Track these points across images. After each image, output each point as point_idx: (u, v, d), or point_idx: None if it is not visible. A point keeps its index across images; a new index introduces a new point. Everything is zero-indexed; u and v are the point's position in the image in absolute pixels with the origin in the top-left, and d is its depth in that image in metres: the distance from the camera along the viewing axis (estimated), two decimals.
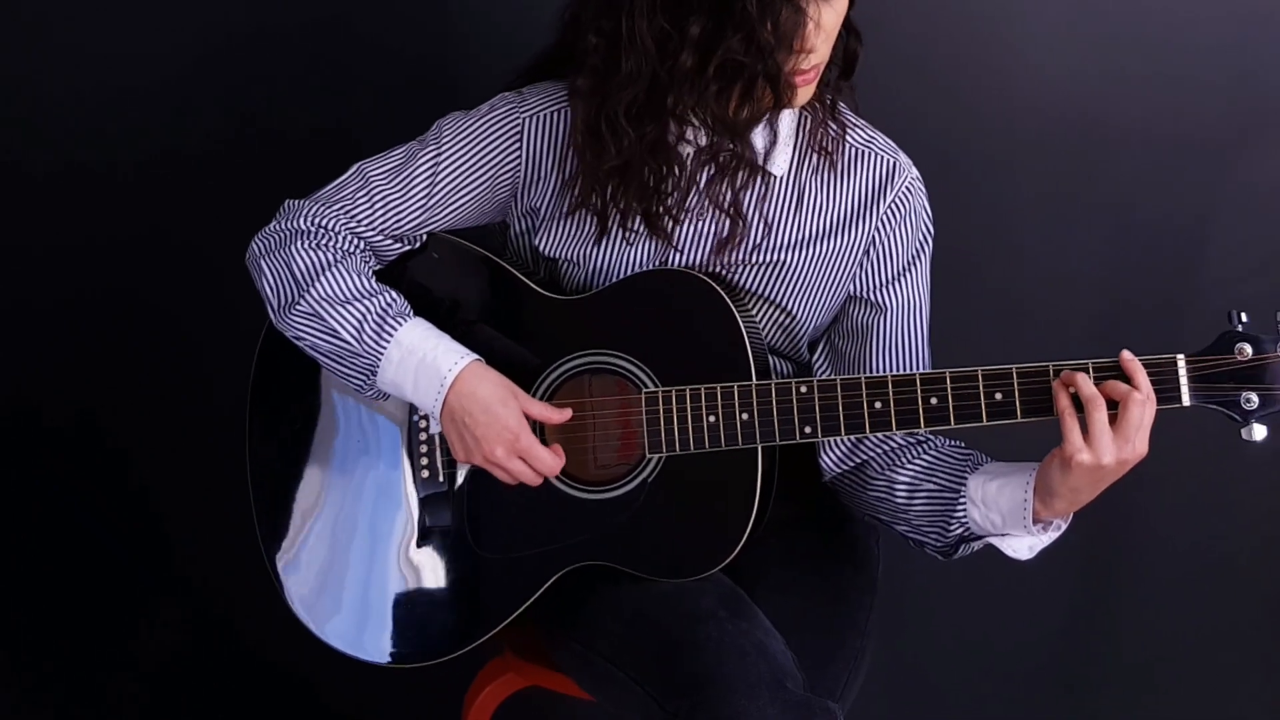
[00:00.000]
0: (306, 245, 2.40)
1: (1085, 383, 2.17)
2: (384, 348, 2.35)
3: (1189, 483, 3.32)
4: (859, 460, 2.47)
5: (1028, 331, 3.16)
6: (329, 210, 2.43)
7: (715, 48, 2.19)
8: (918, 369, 2.46)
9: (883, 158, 2.46)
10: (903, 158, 2.47)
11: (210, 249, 2.74)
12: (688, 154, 2.34)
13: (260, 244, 2.44)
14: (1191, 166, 3.15)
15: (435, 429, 2.42)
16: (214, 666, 3.41)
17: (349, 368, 2.39)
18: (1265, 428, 2.18)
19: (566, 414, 2.37)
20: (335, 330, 2.36)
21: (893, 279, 2.47)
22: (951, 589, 3.40)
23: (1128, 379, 2.17)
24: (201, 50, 3.11)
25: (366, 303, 2.36)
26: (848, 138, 2.45)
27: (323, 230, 2.41)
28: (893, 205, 2.44)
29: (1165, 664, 3.47)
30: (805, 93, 2.30)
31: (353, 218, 2.43)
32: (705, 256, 2.41)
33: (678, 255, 2.41)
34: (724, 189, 2.36)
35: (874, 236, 2.45)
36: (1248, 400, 2.17)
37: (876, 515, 2.50)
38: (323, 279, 2.37)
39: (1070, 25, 3.12)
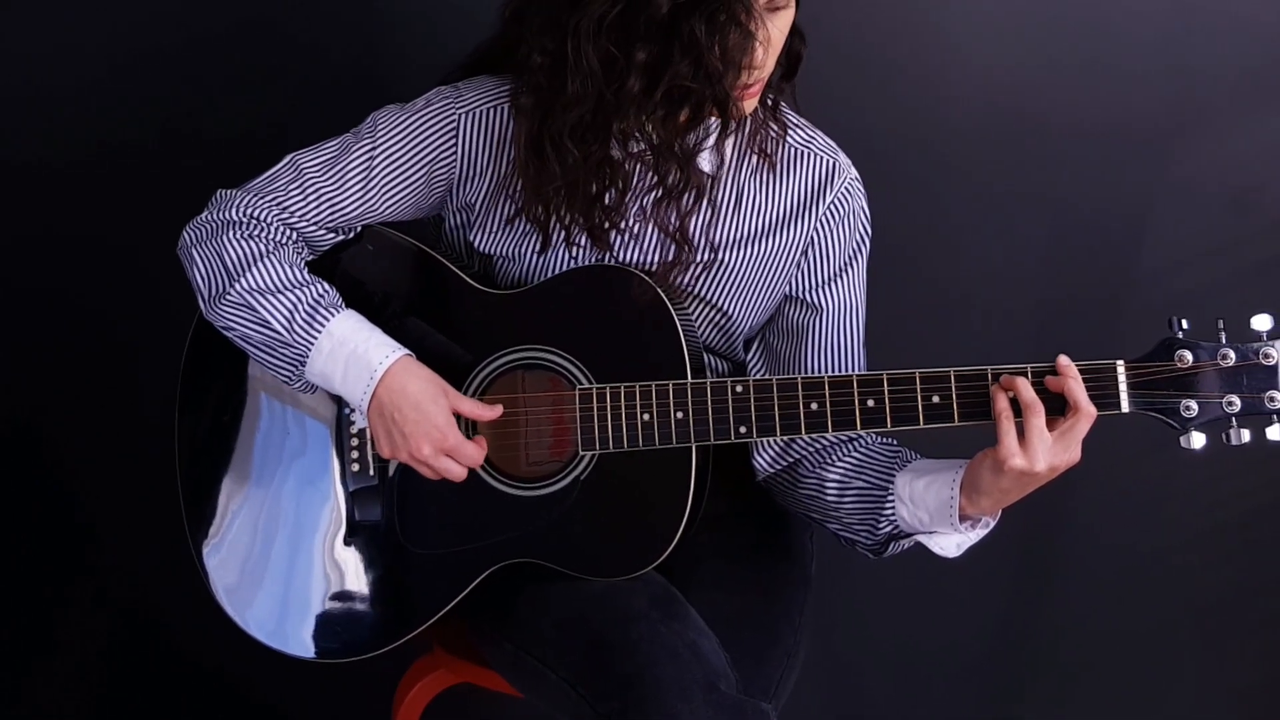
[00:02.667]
0: (238, 235, 2.36)
1: (1025, 387, 2.16)
2: (315, 338, 2.32)
3: (1121, 481, 3.32)
4: (791, 459, 2.47)
5: (966, 328, 3.17)
6: (261, 201, 2.39)
7: (663, 73, 2.17)
8: (852, 370, 2.45)
9: (823, 158, 2.44)
10: (842, 158, 2.46)
11: (139, 246, 2.71)
12: (635, 170, 2.31)
13: (191, 233, 2.41)
14: (1129, 160, 3.15)
15: (361, 423, 2.40)
16: (139, 660, 3.38)
17: (278, 358, 2.36)
18: (1204, 436, 2.18)
19: (497, 411, 2.35)
20: (266, 320, 2.33)
21: (829, 279, 2.46)
22: (885, 586, 3.40)
23: (1062, 389, 2.16)
24: (131, 48, 3.07)
25: (298, 292, 2.34)
26: (788, 138, 2.43)
27: (255, 221, 2.38)
28: (832, 206, 2.43)
29: (1098, 662, 3.48)
30: (750, 104, 2.29)
31: (285, 209, 2.40)
32: (651, 268, 2.39)
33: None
34: (670, 214, 2.33)
35: (813, 237, 2.44)
36: (1187, 408, 2.17)
37: (809, 514, 2.49)
38: (254, 269, 2.34)
39: (1006, 19, 3.11)
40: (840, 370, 2.45)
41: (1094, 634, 3.45)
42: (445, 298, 2.44)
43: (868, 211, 2.48)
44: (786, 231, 2.43)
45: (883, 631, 3.48)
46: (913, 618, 3.45)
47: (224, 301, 2.36)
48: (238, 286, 2.34)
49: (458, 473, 2.35)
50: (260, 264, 2.34)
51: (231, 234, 2.37)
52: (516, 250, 2.41)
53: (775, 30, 2.21)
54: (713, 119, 2.26)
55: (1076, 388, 2.16)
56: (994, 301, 3.19)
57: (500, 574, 2.39)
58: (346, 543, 2.47)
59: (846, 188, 2.44)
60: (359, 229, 2.46)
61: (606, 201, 2.31)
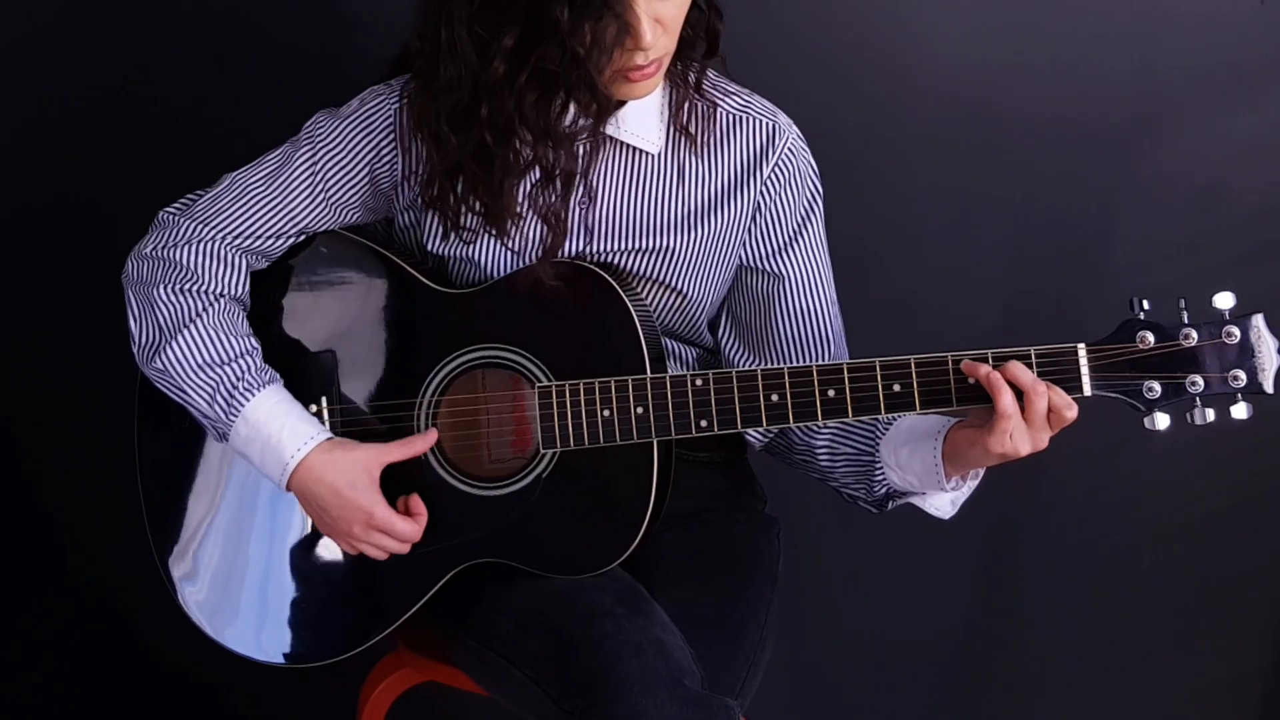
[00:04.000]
0: (172, 289, 2.39)
1: (1024, 371, 2.15)
2: (232, 421, 2.36)
3: (1089, 478, 3.32)
4: (779, 427, 2.45)
5: (931, 326, 3.16)
6: (205, 228, 2.42)
7: (529, 57, 2.16)
8: (828, 333, 2.45)
9: (761, 121, 2.42)
10: (782, 118, 2.44)
11: (102, 243, 2.68)
12: (526, 155, 2.29)
13: (133, 267, 2.44)
14: (1094, 157, 3.14)
15: (326, 425, 2.42)
16: (103, 661, 3.36)
17: (204, 426, 2.40)
18: (1168, 417, 2.16)
19: (431, 437, 2.37)
20: (186, 395, 2.38)
21: (786, 244, 2.44)
22: (851, 584, 3.39)
23: (1016, 379, 2.16)
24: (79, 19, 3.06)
25: (219, 371, 2.36)
26: (724, 105, 2.41)
27: (198, 251, 2.41)
28: (776, 169, 2.41)
29: (1066, 660, 3.46)
30: (647, 85, 2.27)
31: (230, 230, 2.41)
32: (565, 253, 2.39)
33: (515, 257, 2.38)
34: (546, 196, 2.31)
35: (759, 202, 2.42)
36: (1150, 389, 2.15)
37: (810, 475, 2.50)
38: (181, 336, 2.38)
39: (972, 16, 3.10)
40: (816, 334, 2.45)
41: (1064, 632, 3.44)
42: (401, 298, 2.43)
43: (815, 169, 2.46)
44: (732, 201, 2.41)
45: (850, 630, 3.46)
46: (880, 616, 3.44)
47: (151, 366, 2.40)
48: (164, 354, 2.38)
49: (395, 548, 2.37)
50: (188, 331, 2.38)
51: (166, 287, 2.40)
52: (468, 251, 2.40)
53: (664, 8, 2.19)
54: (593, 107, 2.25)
55: (1018, 370, 2.15)
56: (960, 299, 3.18)
57: (465, 573, 2.38)
58: (313, 548, 2.46)
59: (789, 149, 2.42)
60: (310, 233, 2.46)
61: (491, 187, 2.29)
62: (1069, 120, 3.11)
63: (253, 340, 2.41)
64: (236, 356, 2.38)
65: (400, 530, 2.35)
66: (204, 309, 2.39)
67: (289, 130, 2.47)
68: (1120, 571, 3.39)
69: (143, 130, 3.07)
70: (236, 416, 2.35)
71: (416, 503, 2.37)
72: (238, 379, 2.36)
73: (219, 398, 2.35)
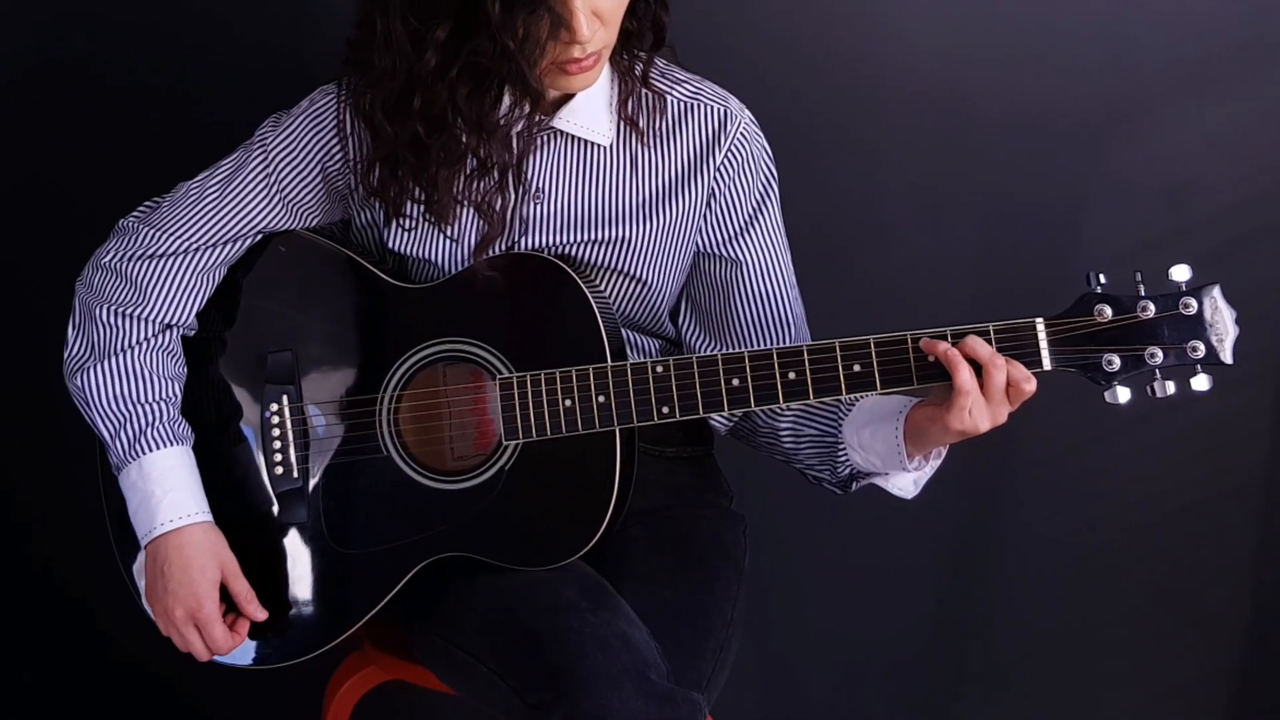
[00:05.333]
0: (115, 311, 2.43)
1: (981, 344, 2.15)
2: (129, 461, 2.39)
3: (1056, 475, 3.31)
4: (742, 411, 2.45)
5: (898, 322, 3.10)
6: (164, 236, 2.43)
7: (461, 50, 2.17)
8: (789, 316, 2.45)
9: (712, 107, 2.42)
10: (733, 103, 2.43)
11: (67, 238, 2.68)
12: (461, 146, 2.29)
13: (89, 275, 2.47)
14: (1063, 151, 3.13)
15: (288, 423, 2.42)
16: (68, 666, 3.35)
17: (102, 444, 2.44)
18: (1129, 390, 2.15)
19: (260, 615, 2.40)
20: (94, 419, 2.42)
21: (742, 229, 2.44)
22: (819, 580, 3.38)
23: (975, 353, 2.15)
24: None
25: (132, 408, 2.40)
26: (674, 93, 2.41)
27: (155, 269, 2.43)
28: (729, 154, 2.41)
29: (1034, 656, 3.45)
30: (586, 79, 2.27)
31: (190, 237, 2.43)
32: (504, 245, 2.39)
33: (455, 246, 2.38)
34: (482, 188, 2.32)
35: (713, 188, 2.41)
36: (1109, 362, 2.14)
37: (775, 458, 2.49)
38: (108, 363, 2.42)
39: (941, 11, 3.10)
40: (776, 317, 2.44)
41: (1032, 628, 3.43)
42: (360, 294, 2.43)
43: (769, 152, 2.46)
44: (687, 188, 2.41)
45: (817, 626, 3.45)
46: (848, 613, 3.42)
47: (71, 381, 2.44)
48: (85, 376, 2.42)
49: (200, 650, 2.39)
50: (117, 359, 2.42)
51: (110, 307, 2.43)
52: (426, 250, 2.40)
53: (600, 2, 2.19)
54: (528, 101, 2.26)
55: (976, 344, 2.15)
56: (928, 295, 3.17)
57: (430, 568, 2.37)
58: (276, 547, 2.45)
59: (741, 133, 2.42)
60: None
61: (427, 177, 2.30)
62: (1038, 116, 3.11)
63: (175, 387, 2.44)
64: (155, 399, 2.41)
65: (215, 636, 2.37)
66: (138, 341, 2.42)
67: (257, 125, 2.48)
68: (1088, 569, 3.38)
69: (112, 123, 3.08)
70: (134, 460, 2.38)
71: (244, 625, 2.41)
72: (148, 424, 2.39)
73: (124, 434, 2.39)
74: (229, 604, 2.41)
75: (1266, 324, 3.12)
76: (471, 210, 2.34)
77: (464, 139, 2.26)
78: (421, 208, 2.33)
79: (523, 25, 2.14)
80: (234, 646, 2.40)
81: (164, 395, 2.42)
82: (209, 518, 2.39)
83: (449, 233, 2.36)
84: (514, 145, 2.32)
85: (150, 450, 2.38)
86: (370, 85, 2.26)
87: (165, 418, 2.41)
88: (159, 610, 2.38)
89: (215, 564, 2.37)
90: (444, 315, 2.37)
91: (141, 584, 2.46)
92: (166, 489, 2.37)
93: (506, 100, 2.25)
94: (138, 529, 2.39)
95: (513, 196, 2.34)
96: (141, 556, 2.43)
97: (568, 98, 2.34)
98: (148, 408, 2.40)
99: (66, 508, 3.11)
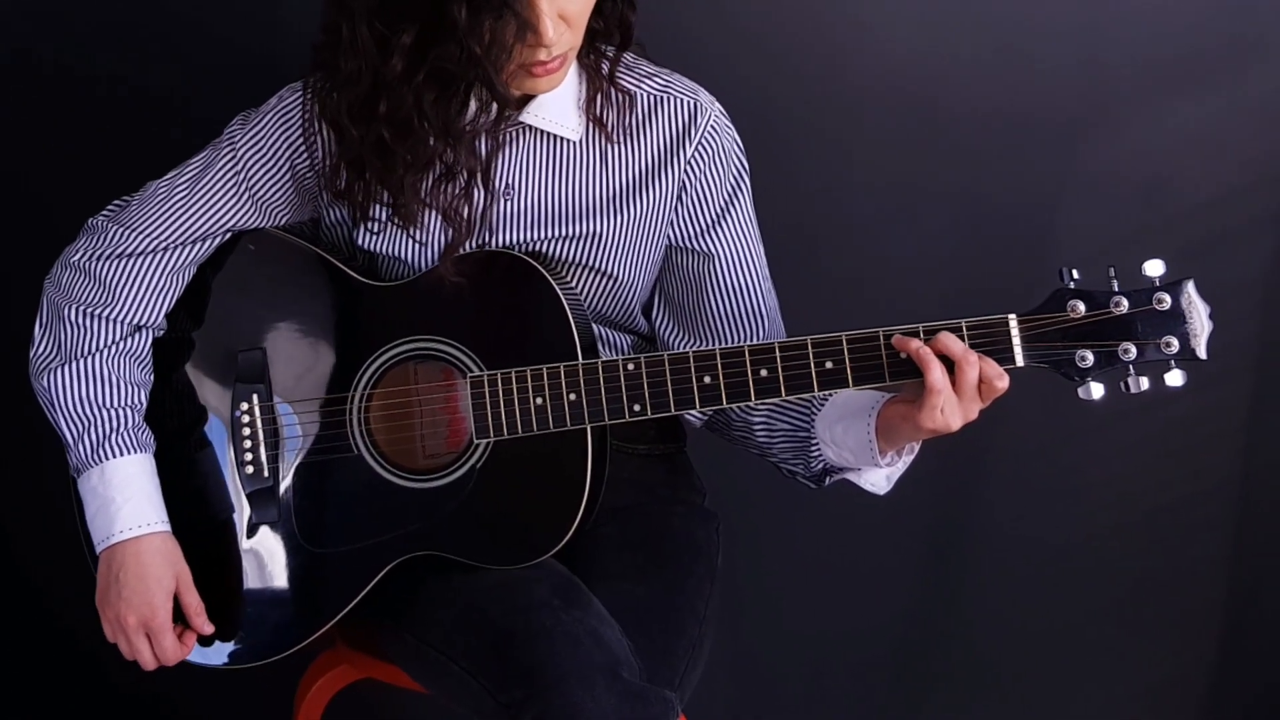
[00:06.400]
0: (84, 312, 2.42)
1: (955, 341, 2.14)
2: (91, 465, 2.38)
3: (1030, 473, 3.31)
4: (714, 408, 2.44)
5: (872, 321, 3.12)
6: (133, 235, 2.42)
7: (427, 55, 2.16)
8: (762, 309, 2.44)
9: (681, 100, 2.41)
10: (703, 96, 2.42)
11: (37, 236, 2.67)
12: (427, 151, 2.27)
13: (58, 273, 2.46)
14: (1037, 148, 3.13)
15: (259, 422, 2.42)
16: (37, 666, 3.35)
17: (63, 446, 2.43)
18: (1102, 386, 2.15)
19: (207, 629, 2.41)
20: (58, 420, 2.41)
21: (714, 223, 2.43)
22: (792, 577, 3.38)
23: (947, 349, 2.15)
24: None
25: (97, 412, 2.40)
26: (644, 87, 2.40)
27: (124, 269, 2.42)
28: (699, 147, 2.40)
29: (1007, 656, 3.45)
30: (552, 80, 2.26)
31: (159, 236, 2.42)
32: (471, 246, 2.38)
33: (421, 248, 2.38)
34: (448, 193, 2.32)
35: (684, 181, 2.41)
36: (1082, 358, 2.14)
37: (749, 451, 2.49)
38: (74, 365, 2.41)
39: (914, 8, 3.10)
40: (750, 310, 2.43)
41: (1005, 628, 3.43)
42: (331, 293, 2.43)
43: (740, 145, 2.45)
44: (658, 182, 2.40)
45: (790, 624, 3.44)
46: (821, 611, 3.42)
47: (36, 380, 2.44)
48: (50, 377, 2.42)
49: (147, 659, 2.39)
50: (84, 362, 2.42)
51: (78, 307, 2.42)
52: (391, 247, 2.39)
53: (568, 4, 2.19)
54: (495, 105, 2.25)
55: (949, 340, 2.15)
56: (900, 291, 3.16)
57: (403, 567, 2.36)
58: (248, 547, 2.45)
59: (712, 125, 2.41)
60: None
61: (392, 181, 2.29)
62: (1012, 112, 3.11)
63: (142, 394, 2.44)
64: (120, 405, 2.40)
65: (165, 646, 2.38)
66: (107, 344, 2.42)
67: (226, 124, 2.47)
68: (1062, 567, 3.38)
69: (81, 121, 3.07)
70: (96, 464, 2.37)
71: (191, 637, 2.41)
72: (112, 429, 2.39)
73: (88, 438, 2.38)
74: (178, 615, 2.40)
75: (1240, 319, 3.13)
76: (439, 214, 2.32)
77: (430, 143, 2.25)
78: (389, 211, 2.32)
79: (489, 30, 2.13)
80: (181, 657, 2.40)
81: (129, 401, 2.41)
82: (167, 528, 2.39)
83: (417, 236, 2.36)
84: (481, 150, 2.31)
85: (113, 456, 2.38)
86: (336, 88, 2.26)
87: (129, 424, 2.40)
88: (110, 616, 2.38)
89: (171, 574, 2.37)
90: (415, 313, 2.36)
91: None
92: (127, 496, 2.37)
93: (473, 105, 2.24)
94: (94, 534, 2.38)
95: (480, 201, 2.33)
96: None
97: (525, 99, 2.34)
98: (112, 413, 2.39)
99: (37, 510, 3.13)
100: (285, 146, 2.39)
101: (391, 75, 2.18)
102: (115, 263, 2.42)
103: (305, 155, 2.39)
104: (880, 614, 3.43)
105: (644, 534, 2.49)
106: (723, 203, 2.42)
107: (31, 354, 2.44)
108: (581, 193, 2.39)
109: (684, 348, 2.46)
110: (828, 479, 2.40)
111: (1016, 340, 2.15)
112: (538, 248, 2.39)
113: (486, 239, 2.38)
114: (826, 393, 2.29)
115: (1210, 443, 3.26)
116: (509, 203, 2.38)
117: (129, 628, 2.36)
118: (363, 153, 2.26)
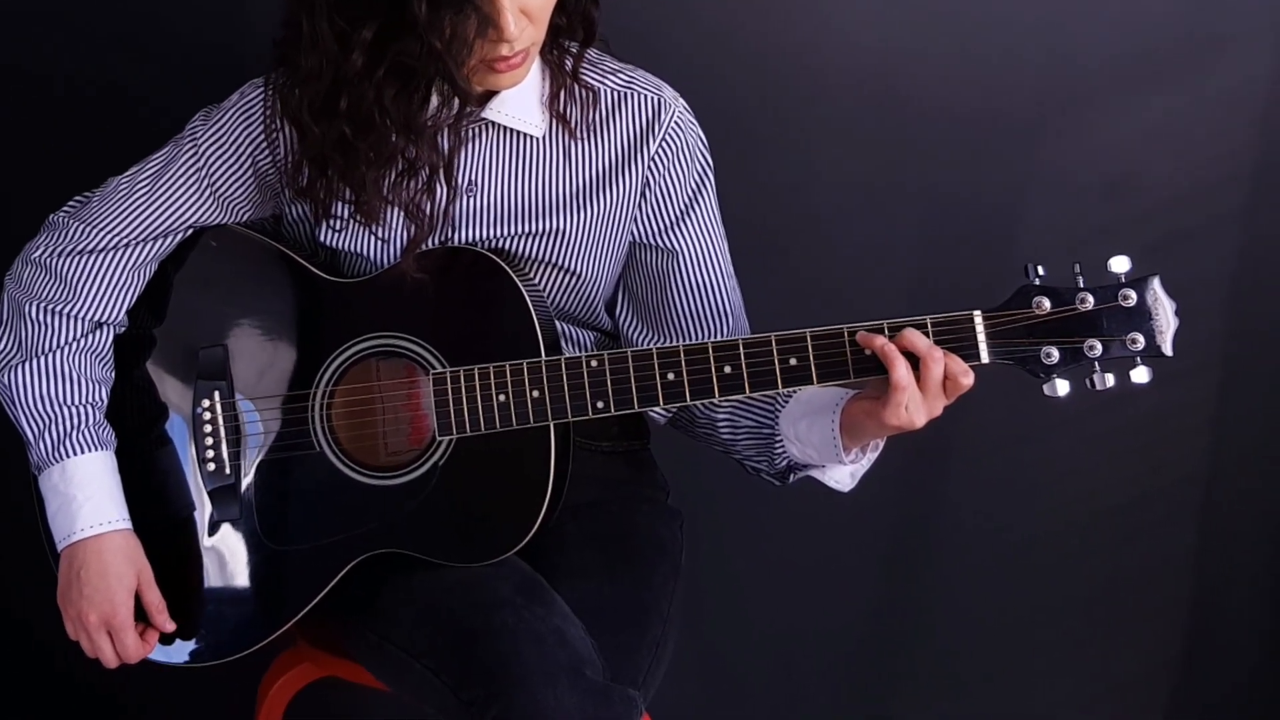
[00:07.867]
0: (44, 308, 2.42)
1: (919, 337, 2.14)
2: (52, 463, 2.38)
3: (996, 470, 3.31)
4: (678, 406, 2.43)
5: (835, 319, 3.12)
6: (94, 231, 2.42)
7: (387, 50, 2.15)
8: (727, 306, 2.44)
9: (646, 96, 2.40)
10: (667, 92, 2.42)
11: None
12: (388, 148, 2.26)
13: (18, 270, 2.46)
14: (1001, 144, 3.13)
15: (220, 419, 2.41)
16: None
17: (24, 443, 2.42)
18: (1068, 383, 2.14)
19: (169, 627, 2.40)
20: (18, 418, 2.41)
21: (678, 219, 2.42)
22: (757, 575, 3.38)
23: (912, 346, 2.14)
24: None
25: (58, 410, 2.39)
26: (607, 84, 2.40)
27: (84, 265, 2.42)
28: (663, 143, 2.39)
29: (972, 653, 3.46)
30: (514, 76, 2.26)
31: (120, 231, 2.41)
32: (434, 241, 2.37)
33: (383, 245, 2.37)
34: (410, 189, 2.30)
35: (648, 178, 2.40)
36: (1048, 355, 2.13)
37: (714, 449, 2.48)
38: (35, 363, 2.41)
39: (878, 2, 3.09)
40: (715, 307, 2.43)
41: (970, 624, 3.44)
42: (292, 289, 2.42)
43: (705, 141, 2.45)
44: (621, 178, 2.39)
45: (754, 622, 3.44)
46: (785, 609, 3.42)
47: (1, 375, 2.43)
48: (11, 374, 2.41)
49: (109, 657, 2.38)
50: (45, 359, 2.41)
51: (38, 304, 2.42)
52: (354, 243, 2.38)
53: (527, 0, 2.18)
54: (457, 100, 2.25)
55: (914, 337, 2.14)
56: (864, 288, 3.16)
57: (365, 565, 2.35)
58: (209, 544, 2.44)
59: (675, 122, 2.40)
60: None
61: (354, 178, 2.28)
62: (977, 108, 3.10)
63: (103, 390, 2.43)
64: (81, 403, 2.40)
65: (127, 643, 2.37)
66: (67, 341, 2.41)
67: (188, 120, 2.46)
68: (1027, 563, 3.38)
69: (41, 117, 3.07)
70: (58, 462, 2.37)
71: (153, 635, 2.41)
72: (73, 427, 2.38)
73: (49, 435, 2.38)
74: (139, 613, 2.39)
75: (1206, 316, 3.13)
76: (401, 210, 2.31)
77: (392, 139, 2.24)
78: (351, 208, 2.31)
79: (449, 25, 2.12)
80: (143, 655, 2.39)
81: (90, 399, 2.40)
82: (129, 525, 2.38)
83: (379, 233, 2.35)
84: (443, 145, 2.30)
85: (74, 454, 2.37)
86: (297, 85, 2.24)
87: (91, 421, 2.39)
88: (71, 614, 2.37)
89: (132, 572, 2.36)
90: (377, 310, 2.35)
91: None
92: (88, 495, 2.36)
93: (434, 100, 2.24)
94: (55, 532, 2.37)
95: (442, 197, 2.32)
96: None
97: (487, 95, 2.33)
98: (73, 410, 2.38)
99: None
100: (247, 143, 2.38)
101: (352, 71, 2.17)
102: (76, 259, 2.41)
103: (267, 152, 2.37)
104: (846, 611, 3.43)
105: (607, 531, 2.48)
106: (687, 199, 2.42)
107: None
108: (545, 189, 2.38)
109: (648, 344, 2.44)
110: (792, 476, 2.40)
111: (982, 337, 2.15)
112: (501, 244, 2.38)
113: (449, 235, 2.36)
114: (790, 390, 2.28)
115: (1176, 439, 3.27)
116: (472, 199, 2.37)
117: (90, 625, 2.35)
118: (324, 150, 2.25)
